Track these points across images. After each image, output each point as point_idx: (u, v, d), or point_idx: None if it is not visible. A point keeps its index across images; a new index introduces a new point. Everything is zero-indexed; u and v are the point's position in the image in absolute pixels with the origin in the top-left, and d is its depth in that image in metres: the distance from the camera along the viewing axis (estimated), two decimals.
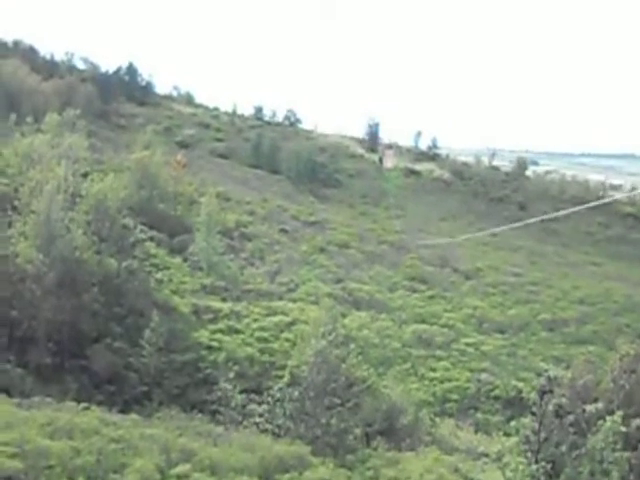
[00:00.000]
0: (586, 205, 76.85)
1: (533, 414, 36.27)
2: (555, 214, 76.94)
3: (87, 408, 39.38)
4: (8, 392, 40.03)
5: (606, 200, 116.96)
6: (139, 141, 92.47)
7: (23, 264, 50.13)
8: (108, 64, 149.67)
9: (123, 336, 51.17)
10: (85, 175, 67.49)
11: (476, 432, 52.73)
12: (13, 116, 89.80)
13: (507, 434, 47.09)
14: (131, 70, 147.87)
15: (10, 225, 53.78)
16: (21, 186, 59.51)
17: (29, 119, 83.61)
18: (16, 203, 57.34)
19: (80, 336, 49.15)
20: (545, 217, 76.81)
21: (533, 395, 37.93)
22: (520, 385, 59.33)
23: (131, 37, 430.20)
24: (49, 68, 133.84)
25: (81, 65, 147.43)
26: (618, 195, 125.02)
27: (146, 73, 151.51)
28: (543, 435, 35.41)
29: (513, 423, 40.40)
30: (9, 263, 49.89)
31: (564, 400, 36.21)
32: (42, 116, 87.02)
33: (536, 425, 35.64)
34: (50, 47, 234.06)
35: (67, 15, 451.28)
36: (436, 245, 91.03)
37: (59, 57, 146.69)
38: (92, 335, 49.97)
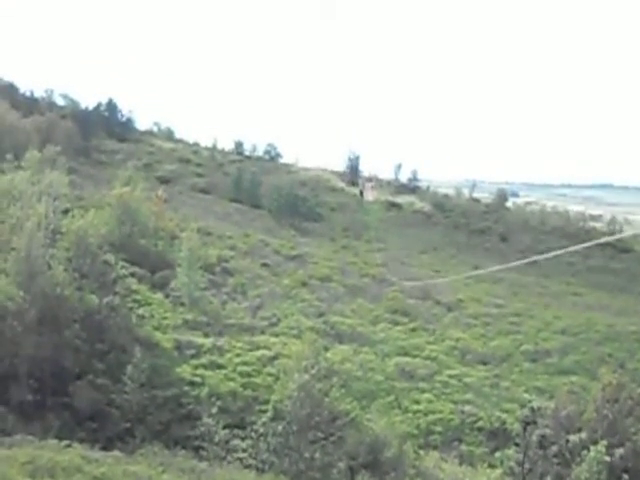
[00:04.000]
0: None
1: (517, 445, 36.37)
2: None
3: (69, 445, 39.17)
4: None
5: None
6: (120, 177, 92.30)
7: (4, 301, 49.84)
8: (88, 100, 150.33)
9: (105, 372, 50.88)
10: (66, 212, 67.38)
11: (460, 464, 52.46)
12: None
13: (492, 466, 47.07)
14: (111, 106, 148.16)
15: None
16: (1, 223, 59.40)
17: (9, 156, 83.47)
18: None
19: (62, 373, 48.86)
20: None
21: (517, 426, 38.08)
22: (504, 416, 59.15)
23: (111, 73, 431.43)
24: (29, 105, 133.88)
25: (61, 101, 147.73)
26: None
27: (126, 109, 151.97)
28: (527, 466, 35.46)
29: (497, 454, 40.50)
30: None
31: (548, 431, 36.30)
32: (22, 153, 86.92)
33: (520, 456, 35.72)
34: (30, 84, 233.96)
35: (47, 52, 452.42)
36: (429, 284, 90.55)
37: (39, 93, 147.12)
38: (74, 372, 49.69)
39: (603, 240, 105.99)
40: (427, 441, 56.27)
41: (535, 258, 77.31)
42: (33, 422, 44.38)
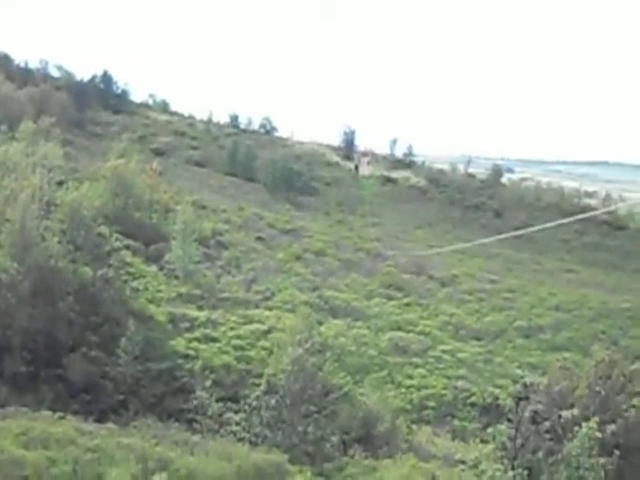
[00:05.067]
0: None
1: (509, 421, 36.44)
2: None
3: (63, 417, 39.22)
4: None
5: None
6: (114, 149, 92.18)
7: None
8: (83, 72, 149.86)
9: (99, 345, 50.92)
10: (60, 183, 67.27)
11: (453, 439, 52.75)
12: None
13: (484, 441, 47.19)
14: (106, 78, 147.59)
15: None
16: None
17: (3, 127, 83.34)
18: None
19: (56, 345, 48.89)
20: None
21: (509, 402, 38.14)
22: (497, 392, 59.41)
23: (106, 45, 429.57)
24: (23, 76, 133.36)
25: (56, 73, 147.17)
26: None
27: (121, 81, 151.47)
28: (519, 442, 35.57)
29: (490, 430, 40.41)
30: None
31: (540, 406, 36.40)
32: (17, 124, 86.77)
33: (512, 432, 35.80)
34: (24, 55, 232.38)
35: (41, 23, 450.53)
36: (425, 255, 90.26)
37: (33, 65, 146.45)
38: (68, 344, 49.70)
39: (596, 212, 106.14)
40: (420, 416, 56.52)
41: (523, 231, 76.66)
42: (26, 394, 44.42)
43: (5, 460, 30.78)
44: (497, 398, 57.98)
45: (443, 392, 59.73)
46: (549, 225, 72.63)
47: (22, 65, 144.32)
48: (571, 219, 76.65)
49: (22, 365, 46.43)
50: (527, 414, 35.47)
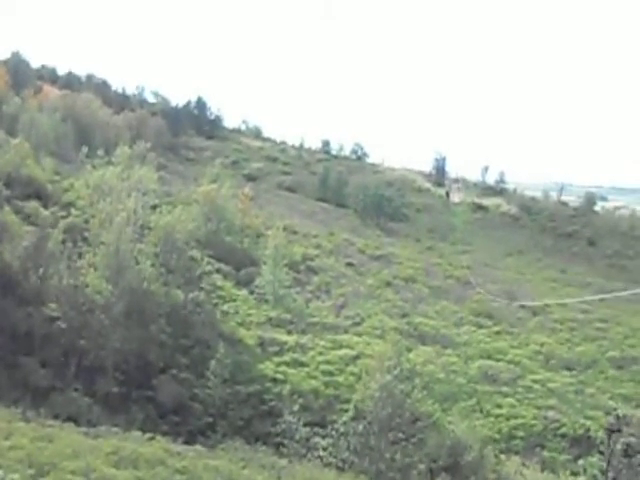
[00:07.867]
0: None
1: (601, 453, 35.87)
2: None
3: (152, 438, 39.73)
4: (75, 421, 40.64)
5: None
6: (207, 174, 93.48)
7: (92, 294, 50.89)
8: (178, 98, 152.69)
9: (189, 367, 51.61)
10: (154, 207, 68.47)
11: (542, 470, 51.84)
12: (85, 149, 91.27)
13: (574, 473, 46.45)
14: (200, 104, 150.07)
15: (80, 256, 54.61)
16: (92, 218, 60.56)
17: (100, 152, 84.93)
18: (86, 234, 58.52)
19: (147, 366, 49.69)
20: None
21: (601, 434, 37.52)
22: (588, 423, 58.19)
23: (200, 71, 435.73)
24: (120, 101, 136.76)
25: (152, 99, 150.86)
26: None
27: (215, 107, 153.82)
28: (611, 475, 34.92)
29: (581, 462, 39.89)
30: (79, 293, 50.66)
31: (633, 439, 35.68)
32: (113, 149, 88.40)
33: (604, 464, 35.17)
34: (122, 81, 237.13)
35: (138, 49, 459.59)
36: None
37: (130, 91, 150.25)
38: (159, 365, 50.51)
39: None
40: (509, 446, 55.70)
41: None
42: (118, 414, 45.16)
43: (96, 479, 31.20)
44: (588, 430, 56.82)
45: (533, 422, 58.76)
46: None
47: (119, 91, 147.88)
48: None
49: (114, 385, 47.27)
50: (619, 447, 34.81)
